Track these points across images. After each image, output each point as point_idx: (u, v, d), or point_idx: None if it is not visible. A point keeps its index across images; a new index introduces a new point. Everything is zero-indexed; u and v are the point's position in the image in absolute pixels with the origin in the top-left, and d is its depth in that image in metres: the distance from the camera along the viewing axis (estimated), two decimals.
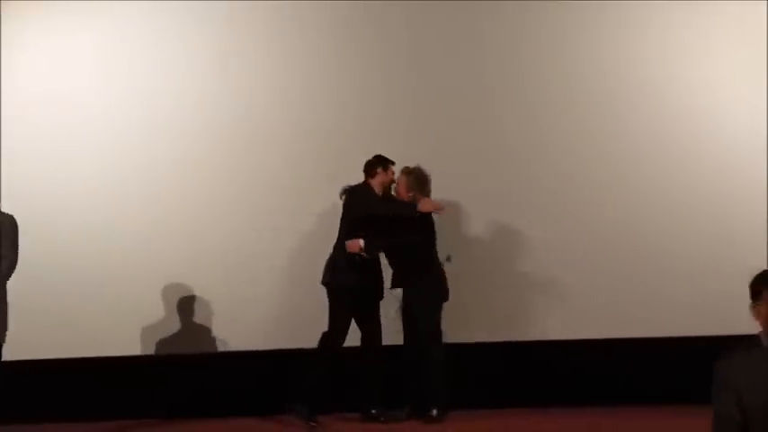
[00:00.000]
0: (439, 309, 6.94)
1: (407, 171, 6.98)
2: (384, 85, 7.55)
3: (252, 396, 7.21)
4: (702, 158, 7.59)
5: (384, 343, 7.02)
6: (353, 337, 6.95)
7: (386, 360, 6.97)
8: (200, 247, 7.34)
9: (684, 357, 7.30)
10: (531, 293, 7.49)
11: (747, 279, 6.71)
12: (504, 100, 7.59)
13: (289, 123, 7.48)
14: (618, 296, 7.45)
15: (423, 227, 6.91)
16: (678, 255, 7.54)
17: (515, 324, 7.45)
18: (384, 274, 7.07)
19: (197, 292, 7.34)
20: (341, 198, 6.97)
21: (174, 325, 7.33)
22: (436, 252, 7.04)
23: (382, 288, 7.04)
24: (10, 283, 6.23)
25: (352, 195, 6.92)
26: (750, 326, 6.78)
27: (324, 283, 6.91)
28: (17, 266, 6.25)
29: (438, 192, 7.09)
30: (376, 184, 6.99)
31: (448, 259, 7.08)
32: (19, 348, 6.42)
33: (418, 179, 6.95)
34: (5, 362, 6.22)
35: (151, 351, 7.31)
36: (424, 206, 6.85)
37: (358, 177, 7.07)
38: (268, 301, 7.33)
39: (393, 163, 7.03)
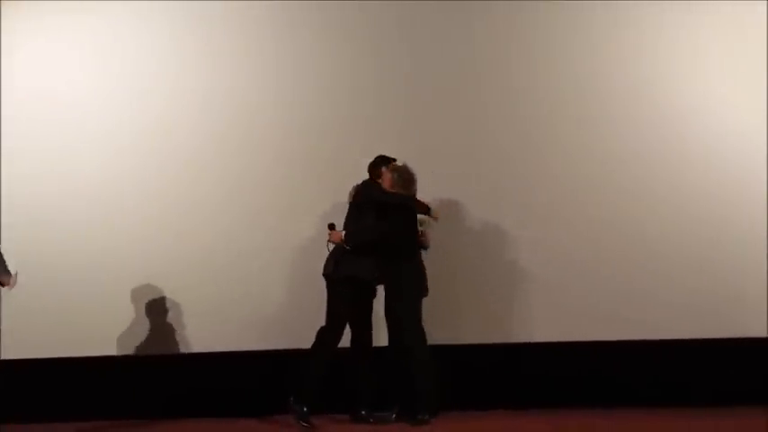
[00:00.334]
0: (419, 304, 6.91)
1: (393, 168, 6.99)
2: (376, 85, 7.56)
3: (246, 396, 7.25)
4: (691, 160, 7.64)
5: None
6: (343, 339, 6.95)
7: (375, 360, 6.99)
8: (190, 246, 7.38)
9: (674, 359, 7.44)
10: (520, 295, 7.51)
11: (736, 280, 7.17)
12: (495, 100, 7.61)
13: (281, 123, 7.49)
14: (607, 297, 7.49)
15: (405, 218, 6.92)
16: (667, 256, 7.58)
17: (505, 325, 7.47)
18: None
19: (188, 292, 7.35)
20: (350, 198, 7.01)
21: (166, 325, 7.36)
22: (417, 244, 7.03)
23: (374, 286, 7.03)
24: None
25: (366, 187, 6.96)
26: (736, 329, 7.22)
27: (325, 274, 6.91)
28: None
29: (428, 191, 7.10)
30: (385, 183, 6.97)
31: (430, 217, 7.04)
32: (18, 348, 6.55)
33: (402, 177, 6.95)
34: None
35: (138, 351, 7.34)
36: (436, 213, 6.98)
37: (351, 176, 7.10)
38: (260, 300, 7.35)
39: (395, 161, 7.04)
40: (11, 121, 7.33)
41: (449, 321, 7.31)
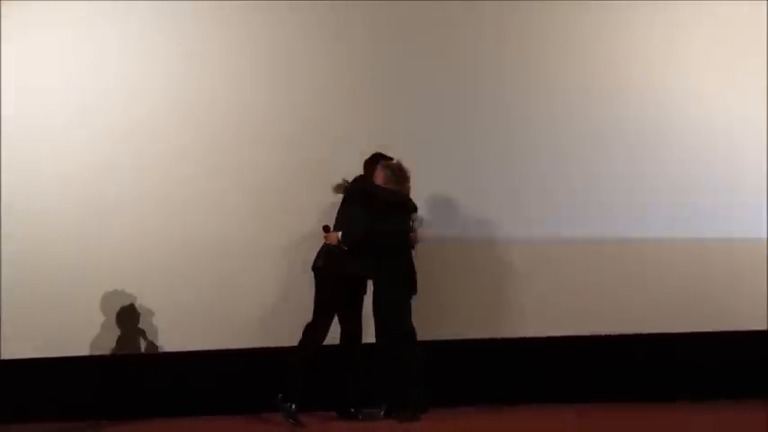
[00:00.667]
0: (408, 303, 6.89)
1: (385, 165, 6.99)
2: (368, 85, 7.61)
3: (234, 394, 7.27)
4: (688, 153, 7.66)
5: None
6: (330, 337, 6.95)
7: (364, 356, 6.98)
8: (173, 246, 7.44)
9: (669, 353, 7.46)
10: (509, 290, 7.53)
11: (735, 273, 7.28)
12: (485, 100, 7.63)
13: (270, 123, 7.59)
14: (593, 293, 7.51)
15: (398, 214, 6.92)
16: (664, 249, 7.59)
17: (494, 321, 7.48)
18: None
19: (178, 292, 7.40)
20: (336, 192, 7.01)
21: (152, 325, 7.41)
22: (409, 242, 7.02)
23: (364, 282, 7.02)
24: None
25: (358, 181, 6.97)
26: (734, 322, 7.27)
27: (314, 267, 6.90)
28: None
29: (416, 188, 7.10)
30: (378, 180, 6.98)
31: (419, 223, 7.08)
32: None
33: (395, 174, 6.95)
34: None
35: (115, 351, 7.38)
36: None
37: (336, 175, 7.11)
38: (247, 298, 7.39)
39: (392, 159, 7.04)
40: (10, 120, 7.41)
41: (437, 318, 7.30)
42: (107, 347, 7.31)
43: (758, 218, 7.57)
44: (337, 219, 6.96)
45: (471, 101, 7.61)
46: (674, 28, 7.69)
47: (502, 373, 7.40)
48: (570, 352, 7.39)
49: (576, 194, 7.56)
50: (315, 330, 6.81)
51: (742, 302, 7.52)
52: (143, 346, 7.35)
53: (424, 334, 6.96)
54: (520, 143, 7.60)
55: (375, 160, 7.03)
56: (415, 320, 6.90)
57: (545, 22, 7.67)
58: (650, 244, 7.53)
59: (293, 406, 6.75)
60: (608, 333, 7.40)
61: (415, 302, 6.93)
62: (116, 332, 7.32)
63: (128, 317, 7.35)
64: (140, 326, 7.36)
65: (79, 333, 7.25)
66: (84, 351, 7.27)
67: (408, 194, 6.99)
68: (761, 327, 7.49)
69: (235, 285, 7.38)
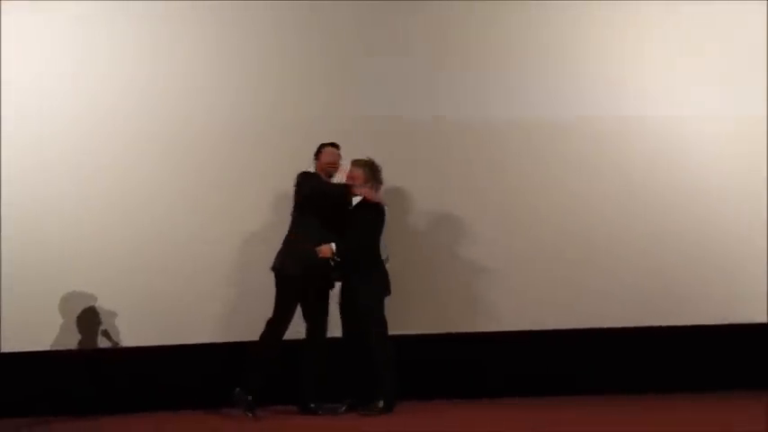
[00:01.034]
0: (383, 303, 6.88)
1: (362, 164, 6.98)
2: (343, 87, 7.56)
3: (193, 389, 7.20)
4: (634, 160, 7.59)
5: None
6: (292, 331, 6.87)
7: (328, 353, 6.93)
8: (145, 241, 7.40)
9: (666, 346, 7.38)
10: (482, 285, 7.44)
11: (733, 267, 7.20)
12: (458, 97, 7.56)
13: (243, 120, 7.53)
14: (562, 287, 7.43)
15: (380, 223, 6.89)
16: (652, 242, 7.53)
17: (460, 315, 7.41)
18: None
19: (147, 286, 7.34)
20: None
21: (126, 319, 7.35)
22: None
23: (332, 280, 6.97)
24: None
25: (299, 177, 6.91)
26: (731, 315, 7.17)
27: (274, 269, 6.86)
28: None
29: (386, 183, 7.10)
30: (318, 168, 7.00)
31: (386, 260, 7.01)
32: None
33: (372, 169, 6.98)
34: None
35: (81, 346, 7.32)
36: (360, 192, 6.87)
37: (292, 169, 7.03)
38: (207, 293, 7.34)
39: (331, 145, 7.01)
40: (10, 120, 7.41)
41: (404, 313, 7.20)
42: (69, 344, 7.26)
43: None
44: (296, 221, 6.86)
45: (440, 100, 7.55)
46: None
47: (477, 368, 7.31)
48: (557, 345, 7.36)
49: (558, 186, 7.52)
50: (274, 326, 6.78)
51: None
52: (102, 341, 7.30)
53: (393, 329, 6.89)
54: (492, 138, 7.56)
55: (316, 152, 7.01)
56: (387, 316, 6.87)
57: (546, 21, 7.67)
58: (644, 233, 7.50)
59: (250, 398, 6.70)
60: (599, 327, 7.37)
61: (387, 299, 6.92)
62: (79, 329, 7.29)
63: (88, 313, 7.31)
64: (103, 322, 7.31)
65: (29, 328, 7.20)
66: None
67: (381, 185, 6.99)
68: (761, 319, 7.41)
69: (194, 279, 7.33)
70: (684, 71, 7.55)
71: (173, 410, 7.06)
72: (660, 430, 5.98)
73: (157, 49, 7.47)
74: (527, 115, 7.49)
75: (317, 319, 6.87)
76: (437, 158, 7.49)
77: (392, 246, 6.99)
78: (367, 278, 6.79)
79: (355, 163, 6.97)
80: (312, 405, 6.81)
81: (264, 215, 7.36)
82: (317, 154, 6.99)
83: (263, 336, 6.77)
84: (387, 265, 6.91)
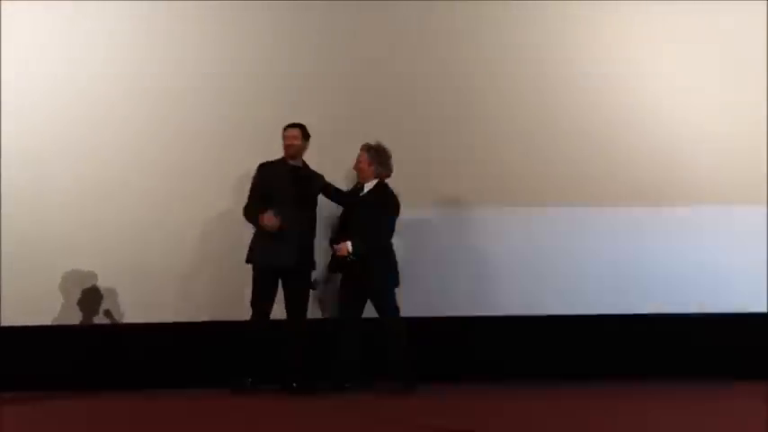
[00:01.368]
0: (394, 290, 6.97)
1: (367, 147, 6.99)
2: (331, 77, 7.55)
3: (190, 367, 7.24)
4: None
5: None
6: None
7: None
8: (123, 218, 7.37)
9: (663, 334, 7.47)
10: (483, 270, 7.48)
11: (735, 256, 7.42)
12: (453, 85, 7.59)
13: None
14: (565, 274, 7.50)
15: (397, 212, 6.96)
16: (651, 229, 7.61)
17: (469, 299, 7.44)
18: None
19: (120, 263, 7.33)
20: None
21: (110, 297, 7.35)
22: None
23: (307, 268, 6.97)
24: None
25: (306, 179, 7.07)
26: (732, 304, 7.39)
27: (247, 260, 6.93)
28: None
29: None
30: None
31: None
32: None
33: (378, 153, 6.97)
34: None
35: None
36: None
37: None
38: (194, 272, 7.35)
39: (290, 126, 7.00)
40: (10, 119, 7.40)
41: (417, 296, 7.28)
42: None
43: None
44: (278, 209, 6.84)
45: (437, 89, 7.58)
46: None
47: (484, 351, 7.40)
48: (562, 331, 7.43)
49: (560, 172, 7.55)
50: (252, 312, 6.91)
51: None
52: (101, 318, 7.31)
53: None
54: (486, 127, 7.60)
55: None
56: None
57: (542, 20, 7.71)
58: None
59: (249, 380, 6.84)
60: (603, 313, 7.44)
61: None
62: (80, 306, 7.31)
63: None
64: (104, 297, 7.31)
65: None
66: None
67: (390, 175, 6.99)
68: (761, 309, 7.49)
69: (184, 258, 7.34)
70: (685, 71, 7.59)
71: (168, 388, 7.05)
72: (660, 417, 5.98)
73: (155, 48, 7.43)
74: (529, 103, 7.57)
75: (290, 306, 6.88)
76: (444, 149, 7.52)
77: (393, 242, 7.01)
78: (380, 271, 6.82)
79: (362, 147, 6.97)
80: (294, 385, 6.82)
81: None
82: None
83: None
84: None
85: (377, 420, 5.86)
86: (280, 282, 6.88)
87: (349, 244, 6.78)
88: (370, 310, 6.93)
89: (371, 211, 6.84)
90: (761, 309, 7.41)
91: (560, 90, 7.56)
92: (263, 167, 6.96)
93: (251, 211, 6.87)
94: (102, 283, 7.25)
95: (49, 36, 7.39)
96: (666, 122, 7.57)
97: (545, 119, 7.55)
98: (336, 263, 6.91)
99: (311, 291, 7.00)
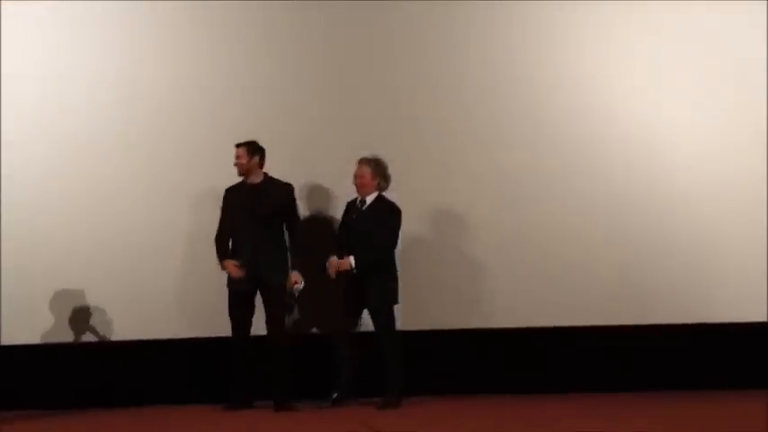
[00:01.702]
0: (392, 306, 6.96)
1: (367, 161, 6.96)
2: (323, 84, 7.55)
3: (179, 385, 7.28)
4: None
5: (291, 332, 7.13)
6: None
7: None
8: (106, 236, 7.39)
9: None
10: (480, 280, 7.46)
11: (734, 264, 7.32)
12: (450, 88, 7.55)
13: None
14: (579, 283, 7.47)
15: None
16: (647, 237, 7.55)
17: (463, 311, 7.43)
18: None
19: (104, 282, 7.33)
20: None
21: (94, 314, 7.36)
22: None
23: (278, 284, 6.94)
24: None
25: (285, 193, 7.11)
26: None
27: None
28: None
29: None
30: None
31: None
32: None
33: (379, 166, 6.96)
34: None
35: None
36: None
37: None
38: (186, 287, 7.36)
39: (235, 146, 6.96)
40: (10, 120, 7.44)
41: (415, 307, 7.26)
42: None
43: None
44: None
45: (435, 93, 7.54)
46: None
47: (475, 363, 7.37)
48: (555, 342, 7.40)
49: (555, 184, 7.51)
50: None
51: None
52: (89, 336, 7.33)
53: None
54: (476, 136, 7.56)
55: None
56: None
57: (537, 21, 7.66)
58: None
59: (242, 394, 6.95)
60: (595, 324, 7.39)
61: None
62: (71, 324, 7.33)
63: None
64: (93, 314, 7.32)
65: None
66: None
67: (389, 182, 7.01)
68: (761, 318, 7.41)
69: (172, 275, 7.35)
70: (685, 71, 7.50)
71: (162, 405, 7.07)
72: (659, 428, 5.95)
73: (155, 49, 7.43)
74: (526, 107, 7.52)
75: (267, 322, 6.88)
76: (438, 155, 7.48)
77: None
78: (380, 287, 6.79)
79: (362, 161, 6.94)
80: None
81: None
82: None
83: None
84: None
85: None
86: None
87: (352, 259, 6.75)
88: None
89: (376, 222, 6.82)
90: (760, 318, 7.32)
91: (557, 92, 7.48)
92: (228, 191, 6.99)
93: (217, 243, 6.93)
94: (92, 302, 7.26)
95: (49, 36, 7.41)
96: (665, 125, 7.46)
97: (543, 122, 7.50)
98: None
99: (291, 303, 7.00)
